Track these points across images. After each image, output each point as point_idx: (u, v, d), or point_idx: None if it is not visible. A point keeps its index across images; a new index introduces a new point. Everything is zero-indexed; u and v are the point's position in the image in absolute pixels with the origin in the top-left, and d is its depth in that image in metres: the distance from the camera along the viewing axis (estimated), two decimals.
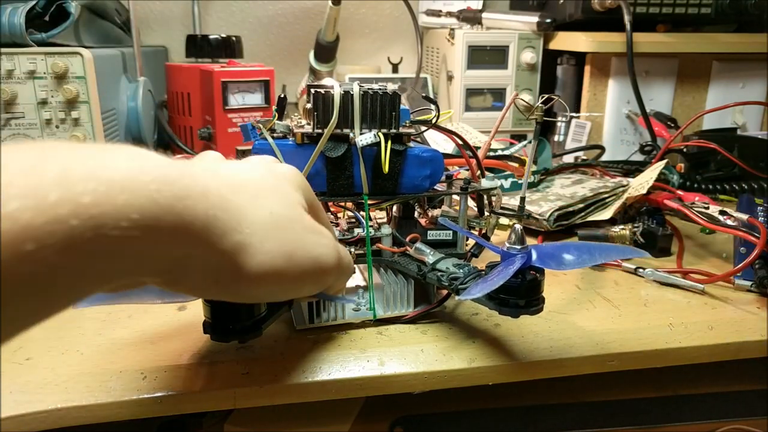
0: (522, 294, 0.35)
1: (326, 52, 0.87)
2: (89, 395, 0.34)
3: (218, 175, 0.26)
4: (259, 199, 0.27)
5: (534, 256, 0.35)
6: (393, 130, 0.41)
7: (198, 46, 0.87)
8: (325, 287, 0.32)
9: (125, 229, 0.19)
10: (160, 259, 0.22)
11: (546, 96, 0.42)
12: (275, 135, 0.41)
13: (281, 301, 0.37)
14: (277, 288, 0.28)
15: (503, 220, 0.48)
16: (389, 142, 0.40)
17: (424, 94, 0.46)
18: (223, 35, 0.88)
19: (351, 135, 0.40)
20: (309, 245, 0.28)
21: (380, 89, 0.40)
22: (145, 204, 0.20)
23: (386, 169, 0.40)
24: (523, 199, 0.47)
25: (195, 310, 0.44)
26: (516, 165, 0.66)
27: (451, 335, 0.42)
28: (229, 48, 0.88)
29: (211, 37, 0.87)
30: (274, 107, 0.42)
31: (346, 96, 0.39)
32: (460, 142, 0.45)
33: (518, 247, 0.36)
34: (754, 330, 0.44)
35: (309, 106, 0.39)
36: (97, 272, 0.20)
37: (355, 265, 0.47)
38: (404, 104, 0.42)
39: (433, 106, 0.42)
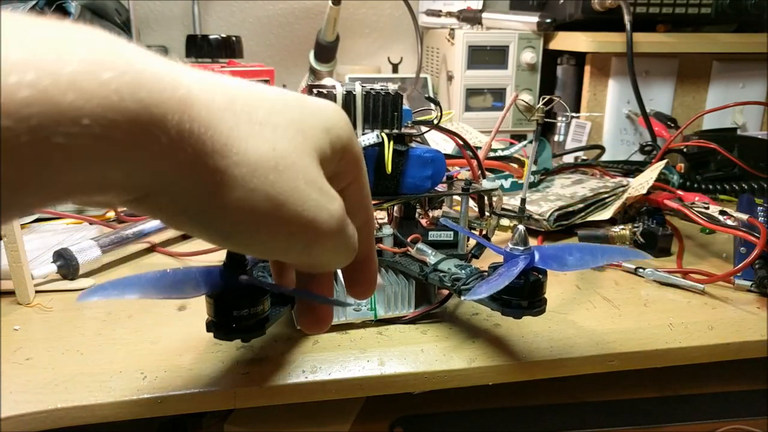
0: (525, 295, 0.35)
1: (326, 52, 0.87)
2: (89, 395, 0.34)
3: (217, 86, 0.21)
4: (266, 127, 0.21)
5: (537, 257, 0.35)
6: (395, 131, 0.41)
7: (198, 46, 0.87)
8: (314, 258, 0.25)
9: (73, 136, 0.16)
10: (119, 174, 0.18)
11: (547, 97, 0.42)
12: None
13: (256, 255, 0.30)
14: (254, 236, 0.22)
15: (504, 221, 0.48)
16: (391, 143, 0.40)
17: (427, 95, 0.45)
18: (223, 35, 0.88)
19: None
20: (305, 203, 0.22)
21: (382, 89, 0.40)
22: (99, 108, 0.16)
23: (389, 169, 0.40)
24: (523, 201, 0.47)
25: (195, 310, 0.44)
26: (516, 166, 0.66)
27: (451, 335, 0.42)
28: (229, 48, 0.88)
29: (211, 37, 0.87)
30: None
31: (349, 96, 0.39)
32: (462, 143, 0.45)
33: (521, 248, 0.36)
34: (754, 330, 0.44)
35: None
36: (42, 183, 0.16)
37: None
38: (405, 104, 0.42)
39: (435, 107, 0.42)
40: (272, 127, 0.21)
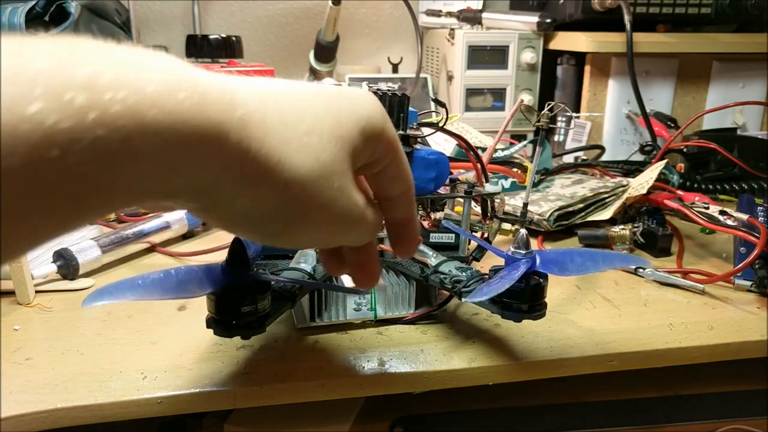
0: (525, 299, 0.35)
1: (326, 52, 0.87)
2: (89, 395, 0.34)
3: (269, 97, 0.23)
4: (312, 137, 0.24)
5: (538, 261, 0.35)
6: (401, 132, 0.41)
7: (198, 46, 0.87)
8: (340, 242, 0.29)
9: (154, 146, 0.18)
10: (188, 182, 0.20)
11: (552, 103, 0.42)
12: None
13: (288, 247, 0.33)
14: (293, 236, 0.26)
15: (505, 225, 0.48)
16: None
17: (433, 97, 0.46)
18: (223, 35, 0.88)
19: None
20: (336, 206, 0.25)
21: (389, 90, 0.40)
22: (176, 123, 0.19)
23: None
24: (525, 205, 0.47)
25: (195, 310, 0.44)
26: (518, 171, 0.66)
27: (451, 335, 0.42)
28: (229, 48, 0.88)
29: (211, 37, 0.87)
30: None
31: None
32: (466, 146, 0.45)
33: (523, 251, 0.36)
34: (754, 330, 0.44)
35: None
36: (125, 186, 0.19)
37: None
38: None
39: (441, 109, 0.42)
40: (317, 136, 0.24)
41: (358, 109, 0.26)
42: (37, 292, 0.46)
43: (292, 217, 0.24)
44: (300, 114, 0.24)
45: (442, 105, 0.42)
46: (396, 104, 0.40)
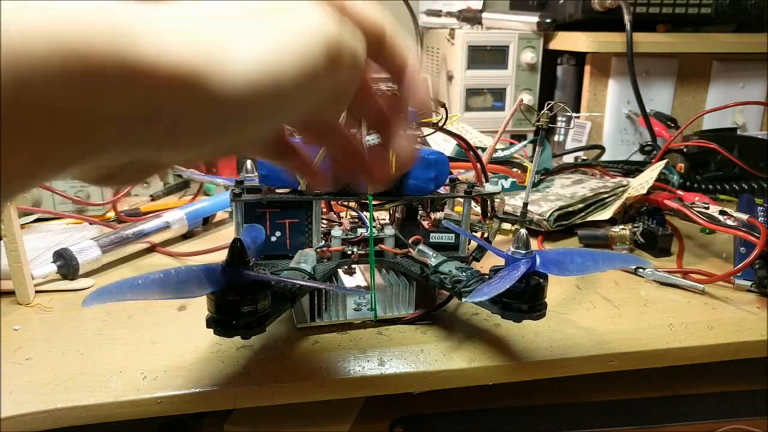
0: (526, 299, 0.35)
1: None
2: (89, 395, 0.34)
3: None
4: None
5: (538, 261, 0.35)
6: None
7: None
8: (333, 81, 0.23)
9: (60, 87, 0.16)
10: (129, 113, 0.17)
11: (552, 103, 0.42)
12: None
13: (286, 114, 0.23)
14: (273, 98, 0.20)
15: (505, 225, 0.48)
16: None
17: (433, 97, 0.45)
18: None
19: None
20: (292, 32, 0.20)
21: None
22: (74, 53, 0.16)
23: (394, 169, 0.40)
24: (525, 205, 0.47)
25: (195, 310, 0.44)
26: (518, 171, 0.66)
27: (451, 335, 0.42)
28: None
29: None
30: None
31: None
32: (466, 146, 0.45)
33: (523, 251, 0.36)
34: (754, 330, 0.44)
35: None
36: (50, 145, 0.16)
37: (357, 266, 0.47)
38: None
39: (442, 109, 0.42)
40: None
41: None
42: (37, 292, 0.46)
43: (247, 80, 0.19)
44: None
45: (443, 105, 0.42)
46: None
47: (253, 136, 0.23)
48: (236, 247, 0.34)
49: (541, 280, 0.36)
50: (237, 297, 0.33)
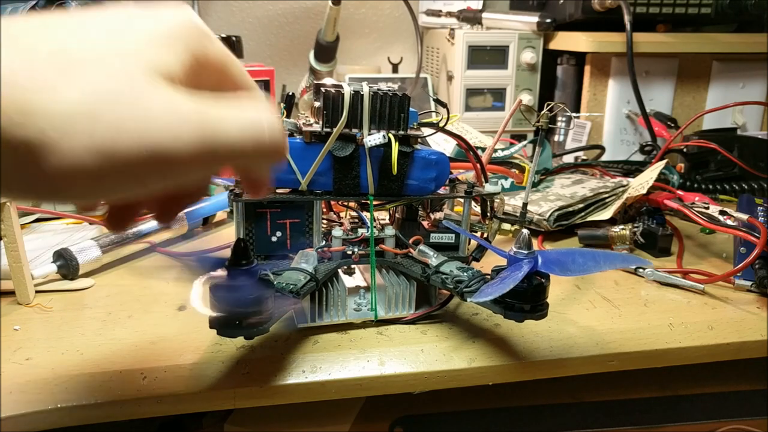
0: (528, 299, 0.36)
1: (326, 52, 0.87)
2: (89, 395, 0.34)
3: (17, 42, 0.19)
4: (75, 73, 0.20)
5: (540, 261, 0.35)
6: (402, 132, 0.41)
7: None
8: (194, 176, 0.23)
9: None
10: None
11: (552, 103, 0.42)
12: None
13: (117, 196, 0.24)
14: (98, 187, 0.21)
15: (505, 225, 0.48)
16: (397, 144, 0.40)
17: (435, 97, 0.45)
18: (223, 35, 0.88)
19: (359, 135, 0.40)
20: (147, 129, 0.20)
21: (390, 90, 0.40)
22: None
23: (395, 170, 0.40)
24: (525, 205, 0.47)
25: (195, 310, 0.44)
26: (517, 171, 0.66)
27: (451, 335, 0.42)
28: (229, 48, 0.88)
29: None
30: (282, 104, 0.42)
31: (356, 96, 0.39)
32: (466, 147, 0.45)
33: (525, 251, 0.36)
34: (754, 330, 0.44)
35: (318, 104, 0.40)
36: None
37: (357, 266, 0.47)
38: None
39: (443, 109, 0.42)
40: (82, 69, 0.20)
41: (144, 22, 0.23)
42: (37, 292, 0.46)
43: (67, 170, 0.20)
44: (53, 52, 0.20)
45: (444, 105, 0.42)
46: (396, 104, 0.40)
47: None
48: (239, 248, 0.34)
49: (543, 280, 0.36)
50: (240, 298, 0.33)
